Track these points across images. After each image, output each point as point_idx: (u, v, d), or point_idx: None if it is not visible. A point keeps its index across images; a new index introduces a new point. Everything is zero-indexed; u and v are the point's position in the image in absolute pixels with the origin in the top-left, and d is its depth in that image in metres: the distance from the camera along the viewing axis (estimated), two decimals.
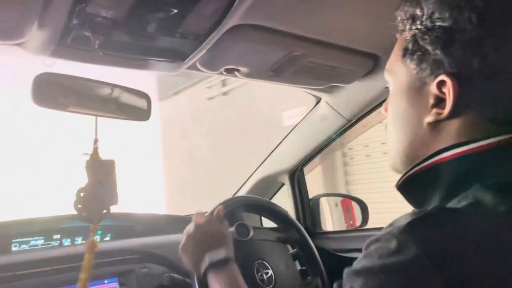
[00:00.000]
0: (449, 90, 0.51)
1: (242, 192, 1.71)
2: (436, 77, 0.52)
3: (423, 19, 0.53)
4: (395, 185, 0.59)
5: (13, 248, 1.22)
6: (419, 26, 0.53)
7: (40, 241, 1.25)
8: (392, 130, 0.60)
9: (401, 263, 0.42)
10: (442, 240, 0.43)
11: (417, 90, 0.55)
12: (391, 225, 0.47)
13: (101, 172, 0.90)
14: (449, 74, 0.51)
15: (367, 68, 1.14)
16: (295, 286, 1.13)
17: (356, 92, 1.29)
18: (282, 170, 1.63)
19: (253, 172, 1.71)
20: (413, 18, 0.55)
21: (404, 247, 0.42)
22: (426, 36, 0.52)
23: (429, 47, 0.52)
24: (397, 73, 0.59)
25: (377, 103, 1.33)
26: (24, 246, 1.23)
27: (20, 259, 1.06)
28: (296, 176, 1.65)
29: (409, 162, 0.57)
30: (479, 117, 0.51)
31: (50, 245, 1.25)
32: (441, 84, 0.52)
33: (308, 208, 1.65)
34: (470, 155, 0.50)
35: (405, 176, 0.57)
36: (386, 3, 0.86)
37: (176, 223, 1.49)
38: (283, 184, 1.70)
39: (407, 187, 0.58)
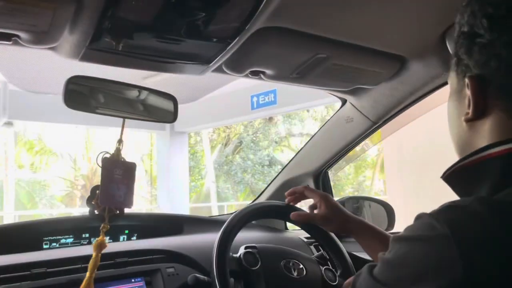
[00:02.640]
0: (470, 91, 0.55)
1: (265, 195, 1.71)
2: (465, 79, 0.57)
3: (456, 27, 0.58)
4: (441, 176, 0.61)
5: (44, 246, 1.26)
6: (455, 34, 0.59)
7: (69, 240, 1.28)
8: (449, 128, 0.65)
9: (429, 237, 0.47)
10: (472, 226, 0.45)
11: (459, 92, 0.60)
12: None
13: (119, 173, 0.92)
14: (472, 76, 0.55)
15: (393, 70, 1.13)
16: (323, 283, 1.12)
17: (382, 94, 1.27)
18: (307, 173, 1.62)
19: (277, 175, 1.71)
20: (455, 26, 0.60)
21: (436, 224, 0.46)
22: (457, 43, 0.58)
23: (459, 53, 0.57)
24: (450, 77, 0.64)
25: (404, 105, 1.31)
26: (54, 244, 1.27)
27: (50, 256, 1.09)
28: (321, 179, 1.64)
29: (461, 155, 0.60)
30: (507, 116, 0.54)
31: (79, 244, 1.29)
32: (468, 85, 0.56)
33: None
34: None
35: (452, 169, 0.59)
36: (415, 5, 0.85)
37: (201, 224, 1.50)
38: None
39: (453, 179, 0.60)
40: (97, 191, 0.91)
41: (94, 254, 0.90)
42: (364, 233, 1.03)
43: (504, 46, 0.51)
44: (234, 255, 1.06)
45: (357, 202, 1.68)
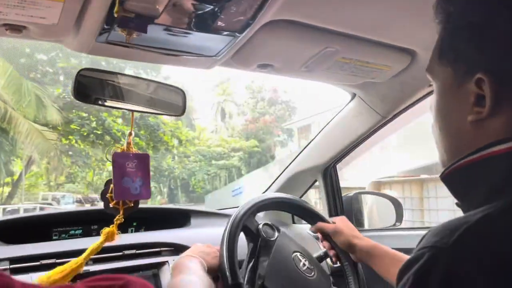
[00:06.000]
0: (487, 88, 0.50)
1: (273, 188, 1.71)
2: (473, 75, 0.51)
3: (456, 17, 0.53)
4: (440, 175, 0.58)
5: (54, 237, 1.27)
6: (453, 24, 0.54)
7: (79, 231, 1.30)
8: (437, 129, 0.59)
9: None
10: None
11: (456, 89, 0.54)
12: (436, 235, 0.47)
13: (132, 166, 0.92)
14: (486, 72, 0.50)
15: (403, 64, 1.11)
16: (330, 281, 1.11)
17: (391, 88, 1.26)
18: (315, 167, 1.62)
19: (285, 169, 1.70)
20: (448, 16, 0.54)
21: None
22: (460, 35, 0.53)
23: (463, 46, 0.52)
24: (436, 72, 0.58)
25: (414, 100, 1.29)
26: (64, 236, 1.28)
27: (60, 248, 1.10)
28: (329, 173, 1.64)
29: (456, 158, 0.55)
30: None
31: (88, 235, 1.30)
32: (479, 82, 0.51)
33: (341, 205, 1.63)
34: None
35: (451, 167, 0.55)
36: None
37: (208, 217, 1.51)
38: (315, 181, 1.69)
39: (452, 178, 0.56)
40: (111, 185, 0.92)
41: (100, 240, 0.91)
42: (372, 251, 1.06)
43: None
44: (257, 222, 1.07)
45: (364, 197, 1.68)
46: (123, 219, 0.93)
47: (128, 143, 0.93)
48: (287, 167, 1.69)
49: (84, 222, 1.32)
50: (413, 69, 1.13)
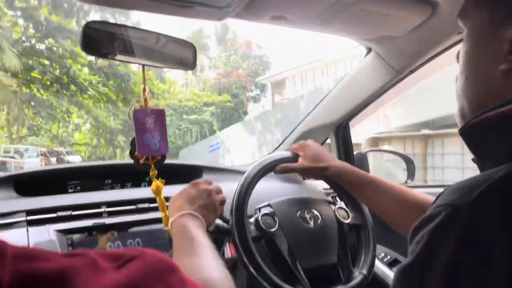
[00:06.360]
0: None
1: (284, 145, 1.70)
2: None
3: None
4: (459, 130, 0.55)
5: (69, 190, 1.30)
6: None
7: (93, 185, 1.32)
8: (463, 78, 0.56)
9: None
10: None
11: (491, 35, 0.51)
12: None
13: (151, 122, 0.93)
14: None
15: (423, 17, 1.06)
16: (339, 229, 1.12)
17: (409, 42, 1.21)
18: (327, 124, 1.60)
19: (297, 125, 1.69)
20: None
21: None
22: None
23: None
24: (470, 17, 0.55)
25: (431, 55, 1.25)
26: (78, 188, 1.31)
27: (75, 200, 1.12)
28: (342, 130, 1.62)
29: (479, 111, 0.52)
30: None
31: (102, 189, 1.32)
32: None
33: (352, 163, 1.63)
34: None
35: (473, 121, 0.52)
36: None
37: (219, 173, 1.52)
38: (326, 138, 1.67)
39: (472, 133, 0.54)
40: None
41: (158, 198, 0.98)
42: (345, 176, 1.04)
43: None
44: (251, 221, 1.05)
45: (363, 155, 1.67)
46: (156, 171, 0.96)
47: (145, 99, 0.93)
48: (299, 124, 1.68)
49: (98, 176, 1.34)
50: (433, 21, 1.08)
